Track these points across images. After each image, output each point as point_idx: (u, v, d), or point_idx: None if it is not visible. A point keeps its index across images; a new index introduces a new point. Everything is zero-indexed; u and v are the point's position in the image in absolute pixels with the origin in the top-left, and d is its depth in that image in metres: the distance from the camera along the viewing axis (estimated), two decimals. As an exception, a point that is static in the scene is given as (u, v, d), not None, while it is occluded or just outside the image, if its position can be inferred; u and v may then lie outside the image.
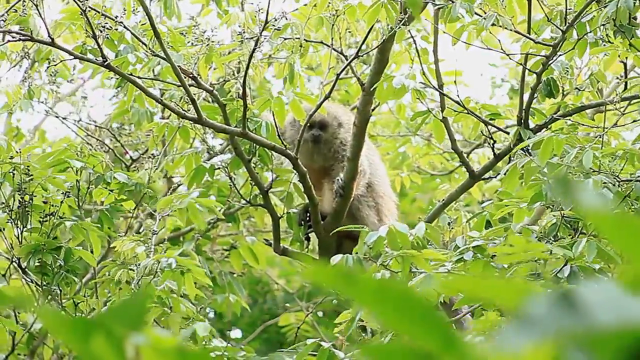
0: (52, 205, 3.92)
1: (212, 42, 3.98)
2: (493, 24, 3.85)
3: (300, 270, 6.00)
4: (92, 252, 3.92)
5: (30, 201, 3.90)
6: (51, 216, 3.90)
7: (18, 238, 3.91)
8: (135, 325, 0.98)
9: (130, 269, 3.85)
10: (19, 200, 3.89)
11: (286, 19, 3.96)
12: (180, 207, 4.07)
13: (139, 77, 3.94)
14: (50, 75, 4.18)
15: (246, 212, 5.16)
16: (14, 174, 3.87)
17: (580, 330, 0.81)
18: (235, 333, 4.60)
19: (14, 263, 3.94)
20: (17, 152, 3.92)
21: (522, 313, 0.84)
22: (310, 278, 0.94)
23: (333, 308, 6.15)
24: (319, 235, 4.23)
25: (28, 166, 3.88)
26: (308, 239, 4.31)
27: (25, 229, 3.91)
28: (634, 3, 3.69)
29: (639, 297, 0.82)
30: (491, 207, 3.92)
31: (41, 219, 3.91)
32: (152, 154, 4.75)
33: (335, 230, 4.01)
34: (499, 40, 4.04)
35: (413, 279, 3.25)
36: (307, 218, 4.23)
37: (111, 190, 4.07)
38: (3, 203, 3.90)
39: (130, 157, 5.05)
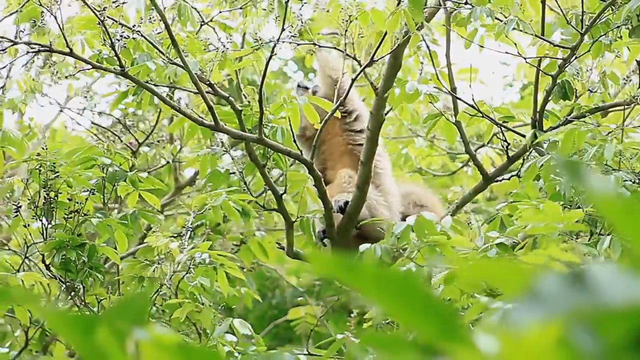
0: (77, 203, 3.98)
1: (227, 48, 4.03)
2: (514, 28, 3.87)
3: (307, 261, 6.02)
4: (115, 248, 3.98)
5: (56, 198, 3.95)
6: (76, 213, 3.95)
7: (43, 234, 3.97)
8: (137, 322, 0.98)
9: (159, 264, 3.88)
10: (44, 197, 3.94)
11: (302, 22, 4.00)
12: (215, 205, 4.11)
13: (156, 85, 3.99)
14: (55, 79, 4.24)
15: (255, 207, 5.19)
16: (40, 171, 3.94)
17: (590, 309, 0.82)
18: (244, 329, 4.66)
19: (33, 258, 4.01)
20: (43, 148, 3.98)
21: (533, 291, 0.84)
22: (313, 267, 0.94)
23: (341, 304, 6.19)
24: (332, 239, 4.26)
25: (54, 163, 3.93)
26: (323, 243, 4.34)
27: (50, 225, 3.96)
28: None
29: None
30: (506, 209, 3.91)
31: (66, 216, 3.96)
32: (161, 139, 4.82)
33: (362, 223, 4.02)
34: (515, 44, 4.06)
35: (435, 275, 3.20)
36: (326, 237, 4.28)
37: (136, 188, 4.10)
38: (29, 199, 3.96)
39: (137, 141, 5.12)
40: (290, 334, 5.87)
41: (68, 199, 3.98)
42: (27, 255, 4.05)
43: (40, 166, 3.92)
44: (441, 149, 5.84)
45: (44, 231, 3.95)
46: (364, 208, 4.24)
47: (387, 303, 0.92)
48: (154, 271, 3.89)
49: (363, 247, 3.47)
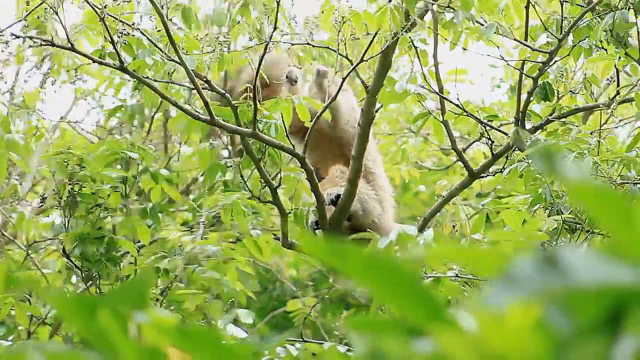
0: (100, 197, 4.11)
1: (224, 48, 4.16)
2: (494, 33, 4.02)
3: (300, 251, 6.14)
4: (136, 242, 4.11)
5: (80, 191, 4.07)
6: (98, 207, 4.09)
7: (65, 225, 4.10)
8: (138, 305, 0.99)
9: (175, 258, 4.01)
10: (69, 190, 4.07)
11: (295, 22, 4.12)
12: (227, 203, 4.23)
13: (155, 80, 4.11)
14: (72, 80, 4.36)
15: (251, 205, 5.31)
16: (67, 164, 4.06)
17: (562, 290, 0.83)
18: (248, 319, 4.80)
19: (37, 256, 4.15)
20: (70, 147, 4.11)
21: (507, 274, 0.86)
22: (304, 250, 0.97)
23: (339, 296, 6.36)
24: (325, 230, 4.40)
25: (81, 158, 4.07)
26: (315, 233, 4.47)
27: (72, 217, 4.09)
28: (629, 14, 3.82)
29: (617, 261, 0.85)
30: (490, 204, 4.06)
31: (88, 210, 4.09)
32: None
33: (337, 206, 4.16)
34: (498, 47, 4.21)
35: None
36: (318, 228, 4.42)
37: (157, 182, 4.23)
38: (54, 191, 4.09)
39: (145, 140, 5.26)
40: (288, 324, 6.04)
41: (92, 192, 4.10)
42: (30, 253, 4.17)
43: (67, 160, 4.05)
44: (434, 144, 6.00)
45: (67, 223, 4.08)
46: (356, 201, 4.38)
47: (375, 287, 0.93)
48: (168, 262, 4.02)
49: None
